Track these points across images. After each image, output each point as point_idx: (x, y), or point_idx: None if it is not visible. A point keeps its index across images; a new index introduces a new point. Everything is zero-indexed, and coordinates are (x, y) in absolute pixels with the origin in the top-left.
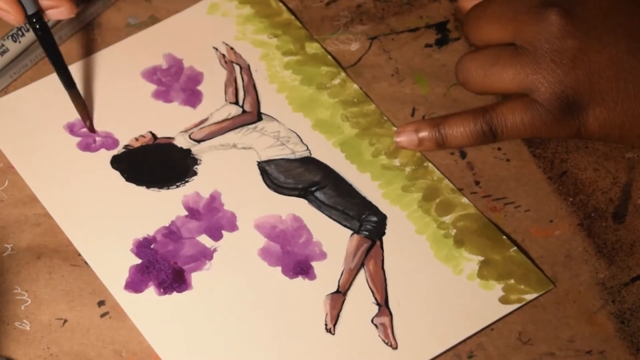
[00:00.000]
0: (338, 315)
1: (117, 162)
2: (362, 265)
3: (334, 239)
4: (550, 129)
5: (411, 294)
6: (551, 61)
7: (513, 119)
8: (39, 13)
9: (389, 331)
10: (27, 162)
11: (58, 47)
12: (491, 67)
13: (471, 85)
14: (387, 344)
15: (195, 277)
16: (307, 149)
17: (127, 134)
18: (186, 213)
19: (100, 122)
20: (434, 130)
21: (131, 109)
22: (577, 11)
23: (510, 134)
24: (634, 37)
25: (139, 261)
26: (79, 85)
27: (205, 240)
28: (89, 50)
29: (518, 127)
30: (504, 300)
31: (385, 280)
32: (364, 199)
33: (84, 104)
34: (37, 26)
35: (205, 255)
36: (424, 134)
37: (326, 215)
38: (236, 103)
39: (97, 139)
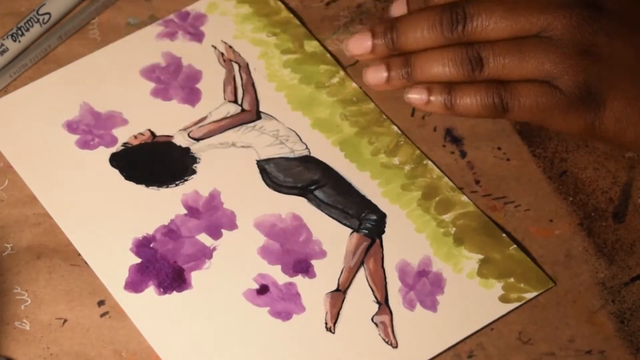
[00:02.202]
0: (338, 314)
1: (116, 160)
2: (361, 263)
3: (333, 237)
4: (564, 117)
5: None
6: (577, 52)
7: (527, 98)
8: None
9: (389, 330)
10: (26, 161)
11: None
12: (513, 55)
13: (489, 72)
14: (387, 342)
15: (195, 276)
16: (307, 147)
17: (126, 132)
18: (185, 212)
19: (100, 122)
20: (445, 93)
21: (130, 107)
22: (606, 6)
23: (521, 112)
24: None
25: (138, 260)
26: (79, 85)
27: (204, 239)
28: (88, 50)
29: (531, 107)
30: (503, 299)
31: (385, 278)
32: (363, 197)
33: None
34: None
35: (205, 254)
36: (435, 94)
37: (326, 213)
38: (235, 101)
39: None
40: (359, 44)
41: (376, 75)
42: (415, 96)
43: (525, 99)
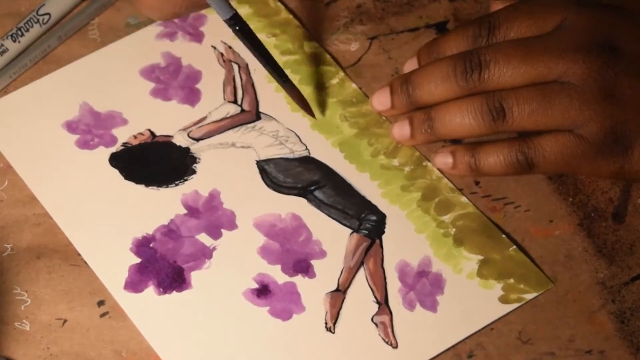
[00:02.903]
0: (338, 314)
1: (116, 160)
2: (361, 263)
3: (333, 237)
4: (592, 164)
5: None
6: (601, 97)
7: (552, 151)
8: (237, 15)
9: (389, 330)
10: (26, 162)
11: (263, 44)
12: (537, 104)
13: (513, 122)
14: (387, 342)
15: (195, 276)
16: (306, 148)
17: (126, 132)
18: (185, 211)
19: (100, 122)
20: (469, 155)
21: (130, 107)
22: (624, 48)
23: (548, 166)
24: None
25: (138, 260)
26: (79, 85)
27: (204, 238)
28: (88, 50)
29: (557, 160)
30: (503, 300)
31: (385, 278)
32: (363, 198)
33: (299, 94)
34: (237, 27)
35: (205, 253)
36: (459, 157)
37: (325, 214)
38: (235, 102)
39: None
40: (380, 101)
41: (400, 132)
42: (441, 160)
43: (550, 154)
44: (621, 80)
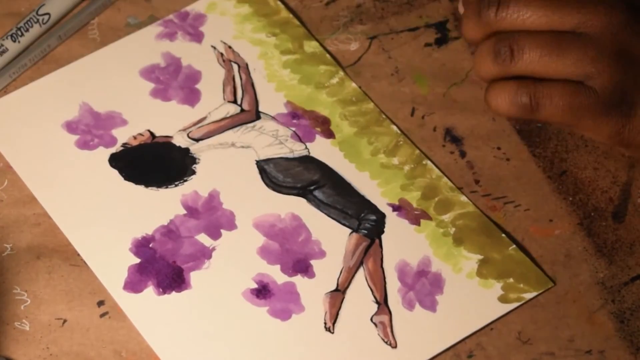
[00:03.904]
0: (337, 314)
1: (115, 161)
2: (361, 263)
3: (333, 237)
4: (594, 119)
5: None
6: (616, 53)
7: (560, 98)
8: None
9: (389, 330)
10: (25, 162)
11: None
12: (550, 49)
13: (523, 64)
14: (386, 342)
15: (194, 276)
16: (306, 147)
17: (126, 132)
18: (185, 212)
19: (99, 122)
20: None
21: (129, 108)
22: None
23: (551, 113)
24: None
25: (137, 260)
26: (79, 85)
27: (204, 239)
28: (88, 50)
29: (563, 107)
30: (503, 299)
31: (384, 278)
32: (362, 197)
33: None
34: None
35: (204, 254)
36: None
37: (325, 214)
38: (234, 102)
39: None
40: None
41: None
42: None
43: (558, 99)
44: (637, 40)
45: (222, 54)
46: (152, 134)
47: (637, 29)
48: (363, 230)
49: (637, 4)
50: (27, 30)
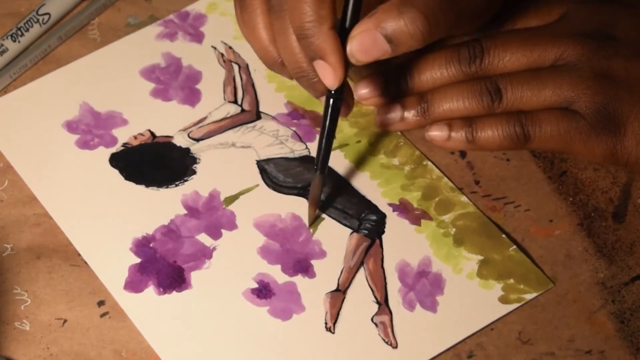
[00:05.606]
0: (338, 314)
1: (116, 161)
2: (361, 263)
3: (333, 237)
4: (585, 142)
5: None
6: (593, 76)
7: (549, 125)
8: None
9: (389, 330)
10: (26, 161)
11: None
12: (530, 85)
13: (508, 104)
14: (387, 342)
15: (195, 276)
16: (306, 147)
17: (126, 132)
18: (185, 212)
19: (100, 122)
20: (465, 127)
21: (130, 107)
22: (620, 35)
23: (543, 141)
24: None
25: (138, 260)
26: (79, 85)
27: (204, 239)
28: (88, 50)
29: (553, 135)
30: (503, 300)
31: (385, 278)
32: (363, 198)
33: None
34: (332, 99)
35: (205, 254)
36: (455, 129)
37: (325, 214)
38: (235, 102)
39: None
40: (370, 87)
41: (390, 115)
42: (436, 133)
43: (546, 126)
44: (615, 61)
45: (222, 54)
46: (152, 134)
47: (612, 51)
48: (364, 231)
49: (613, 32)
50: (27, 30)
